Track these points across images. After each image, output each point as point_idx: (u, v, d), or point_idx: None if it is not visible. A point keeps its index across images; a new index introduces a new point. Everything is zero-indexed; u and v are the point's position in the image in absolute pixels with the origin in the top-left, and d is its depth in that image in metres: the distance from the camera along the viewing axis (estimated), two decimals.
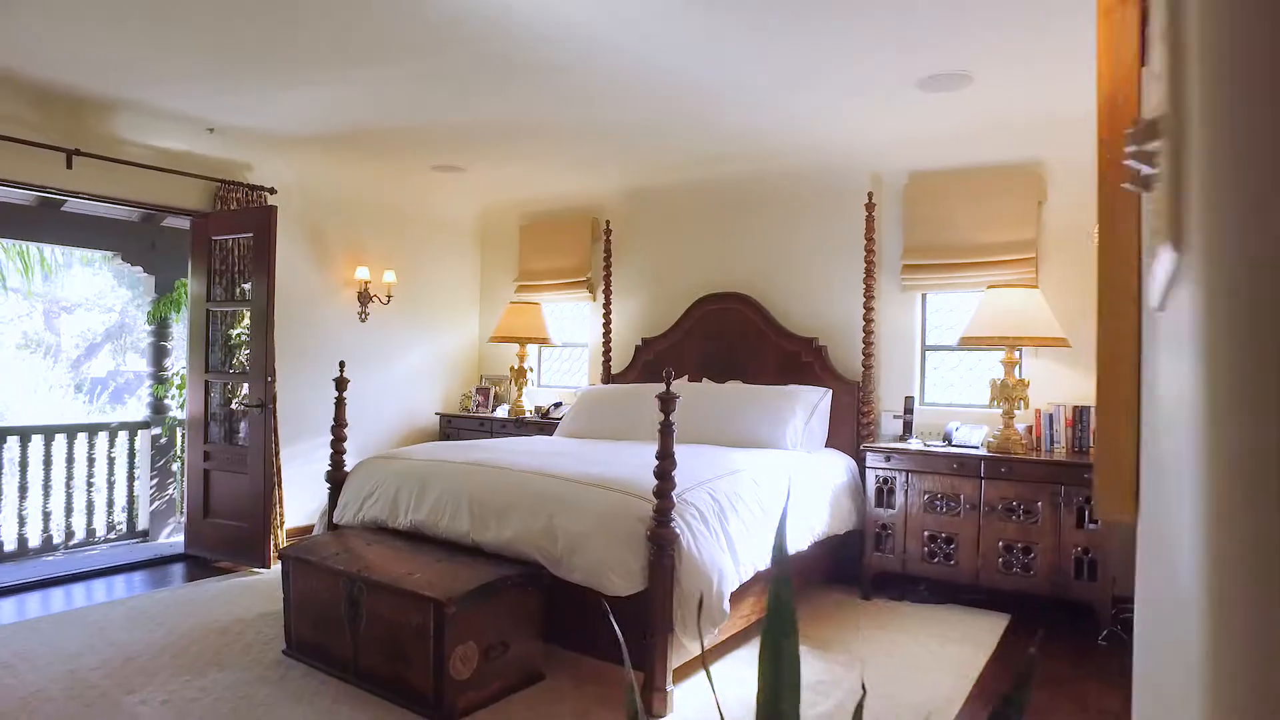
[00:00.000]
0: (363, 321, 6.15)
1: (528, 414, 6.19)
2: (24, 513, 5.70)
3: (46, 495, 5.83)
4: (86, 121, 4.56)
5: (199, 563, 5.21)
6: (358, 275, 6.01)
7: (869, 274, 5.06)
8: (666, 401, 3.01)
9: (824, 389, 5.01)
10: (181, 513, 6.45)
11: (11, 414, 11.69)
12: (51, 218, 5.61)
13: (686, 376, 5.57)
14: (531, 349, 6.64)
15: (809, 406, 4.84)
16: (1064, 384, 4.57)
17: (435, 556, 3.36)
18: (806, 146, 4.93)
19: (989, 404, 4.42)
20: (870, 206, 5.07)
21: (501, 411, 6.36)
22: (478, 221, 7.14)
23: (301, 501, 5.78)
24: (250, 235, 5.01)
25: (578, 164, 5.48)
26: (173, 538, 6.11)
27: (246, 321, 5.19)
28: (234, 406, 5.31)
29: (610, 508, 3.19)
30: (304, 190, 5.75)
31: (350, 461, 4.51)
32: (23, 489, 5.69)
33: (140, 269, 6.03)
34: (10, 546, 5.58)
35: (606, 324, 6.09)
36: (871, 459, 4.62)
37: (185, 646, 3.62)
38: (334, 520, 4.13)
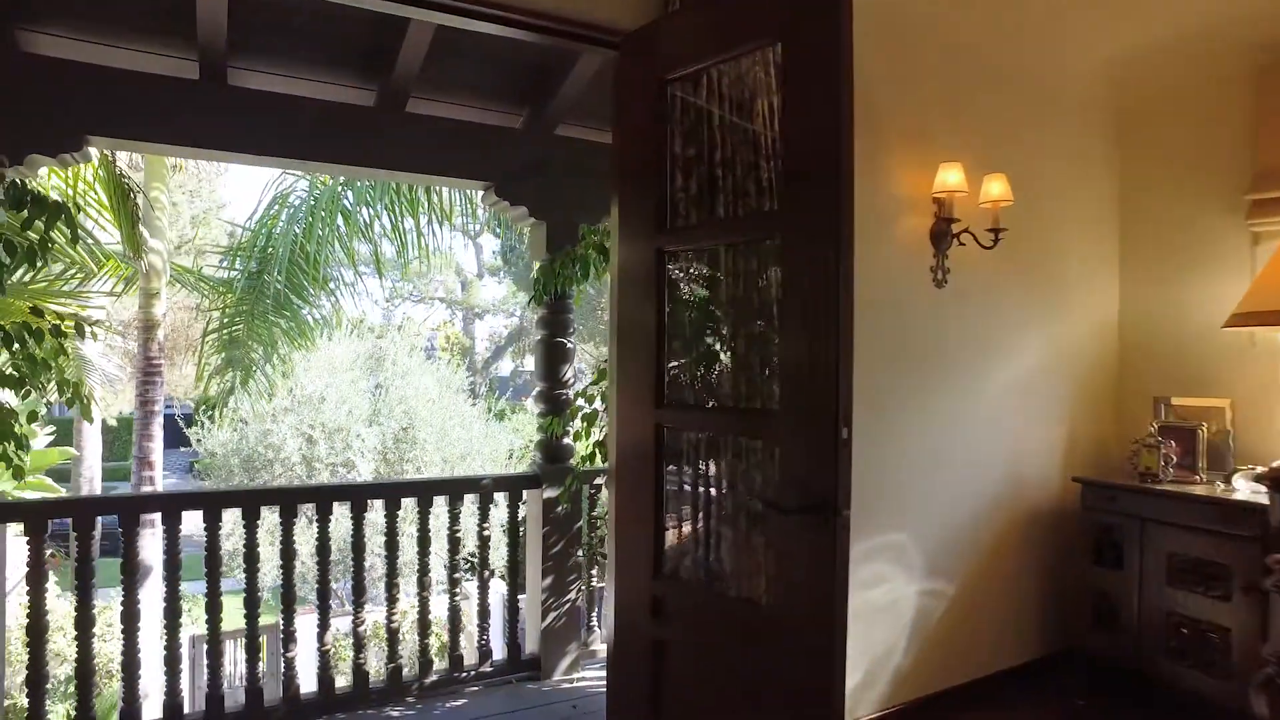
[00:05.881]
0: (938, 286, 2.89)
1: None
2: (360, 628, 3.34)
3: (392, 600, 3.42)
4: None
5: None
6: (940, 183, 2.74)
7: None
8: None
9: None
10: (589, 626, 3.80)
11: (419, 423, 10.56)
12: (392, 126, 3.19)
13: None
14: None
15: None
16: None
17: None
18: None
19: None
20: None
21: (1237, 485, 2.71)
22: (1116, 83, 3.51)
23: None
24: (775, 44, 1.93)
25: None
26: (579, 675, 3.53)
27: (731, 293, 2.20)
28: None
29: None
30: None
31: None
32: (357, 590, 3.34)
33: (524, 209, 3.36)
34: (344, 682, 3.25)
35: None
36: None
37: None
38: None
